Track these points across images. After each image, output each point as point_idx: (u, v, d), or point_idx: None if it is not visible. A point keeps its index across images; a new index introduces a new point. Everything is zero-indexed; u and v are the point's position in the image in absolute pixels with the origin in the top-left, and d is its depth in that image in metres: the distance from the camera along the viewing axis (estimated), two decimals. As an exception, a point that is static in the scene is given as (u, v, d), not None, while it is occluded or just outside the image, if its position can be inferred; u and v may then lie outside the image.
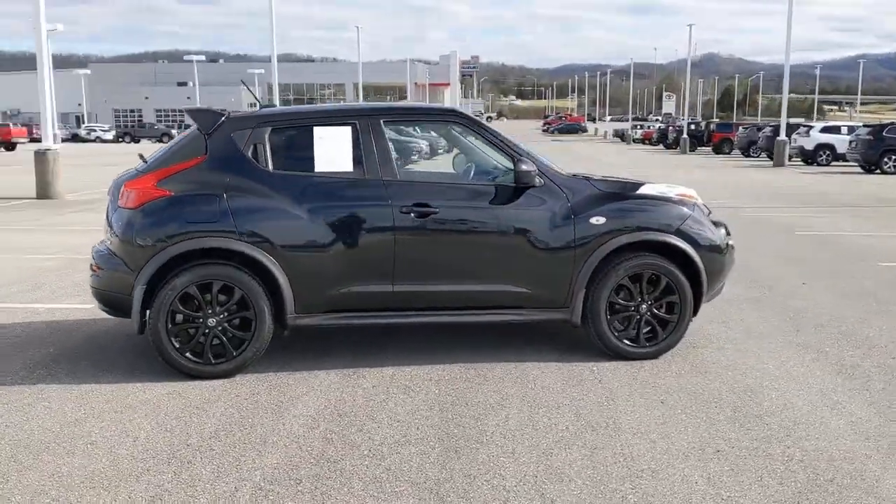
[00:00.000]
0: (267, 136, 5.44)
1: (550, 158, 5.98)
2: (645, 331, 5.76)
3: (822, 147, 32.99)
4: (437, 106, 6.70)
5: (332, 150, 5.46)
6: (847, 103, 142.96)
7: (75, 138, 65.02)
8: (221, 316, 5.24)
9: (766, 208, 16.39)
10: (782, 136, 33.17)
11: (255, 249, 5.21)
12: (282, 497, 3.64)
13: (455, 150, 6.59)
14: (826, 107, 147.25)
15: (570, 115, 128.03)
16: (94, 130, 66.70)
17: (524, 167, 5.43)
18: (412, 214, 5.38)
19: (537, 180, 5.52)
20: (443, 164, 9.52)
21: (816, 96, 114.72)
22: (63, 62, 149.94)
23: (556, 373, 5.44)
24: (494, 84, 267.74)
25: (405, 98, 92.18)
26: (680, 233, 5.69)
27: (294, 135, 5.55)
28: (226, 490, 3.70)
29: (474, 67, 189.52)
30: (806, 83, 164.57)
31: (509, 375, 5.38)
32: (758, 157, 39.26)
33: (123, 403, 4.83)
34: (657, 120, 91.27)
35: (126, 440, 4.27)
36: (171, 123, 76.71)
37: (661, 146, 55.94)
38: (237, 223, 5.21)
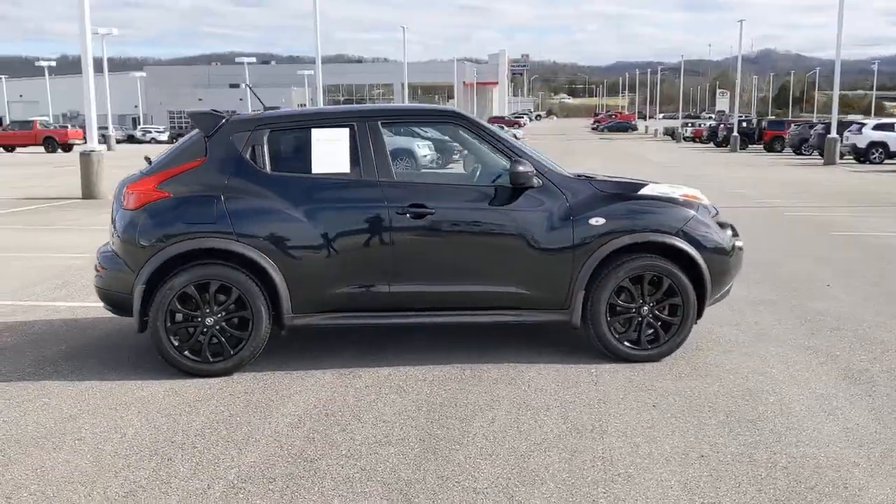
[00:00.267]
0: (265, 139, 5.51)
1: (551, 158, 5.94)
2: (648, 333, 5.68)
3: (874, 145, 32.08)
4: (436, 107, 6.69)
5: (330, 152, 5.49)
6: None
7: (131, 139, 66.49)
8: (219, 315, 5.32)
9: (806, 207, 16.02)
10: (833, 134, 32.37)
11: (251, 250, 5.27)
12: (251, 495, 3.68)
13: (465, 151, 6.60)
14: (887, 103, 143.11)
15: (621, 113, 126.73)
16: (150, 132, 68.13)
17: (520, 168, 5.40)
18: (408, 215, 5.39)
19: (535, 181, 5.48)
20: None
21: (874, 92, 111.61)
22: (122, 65, 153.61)
23: (554, 375, 5.39)
24: (545, 82, 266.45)
25: (452, 98, 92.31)
26: (682, 234, 5.60)
27: (292, 137, 5.60)
28: (199, 487, 3.76)
29: (525, 66, 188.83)
30: (866, 79, 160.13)
31: (505, 377, 5.35)
32: (810, 155, 38.37)
33: (120, 400, 4.94)
34: (710, 117, 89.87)
35: (114, 436, 4.36)
36: (223, 124, 77.60)
37: (711, 144, 55.06)
38: (234, 224, 5.28)
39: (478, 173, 6.17)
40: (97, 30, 46.69)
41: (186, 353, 5.32)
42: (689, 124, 69.64)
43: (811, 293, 7.86)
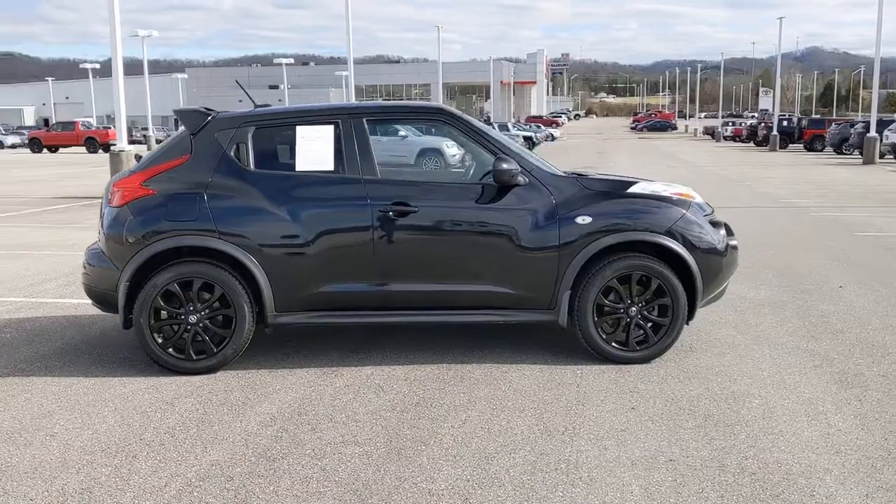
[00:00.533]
0: (250, 136, 5.51)
1: (543, 158, 5.86)
2: (637, 334, 5.58)
3: (916, 144, 31.31)
4: (422, 104, 6.67)
5: (314, 149, 5.48)
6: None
7: (171, 140, 67.43)
8: (203, 313, 5.33)
9: (835, 207, 15.65)
10: (872, 133, 31.62)
11: (233, 248, 5.28)
12: (205, 493, 3.67)
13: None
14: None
15: (661, 112, 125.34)
16: (189, 132, 69.02)
17: (503, 165, 5.33)
18: (390, 213, 5.36)
19: (520, 179, 5.41)
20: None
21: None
22: (168, 67, 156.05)
23: (538, 375, 5.32)
24: (585, 81, 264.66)
25: (489, 98, 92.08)
26: (671, 233, 5.48)
27: (277, 134, 5.60)
28: (156, 485, 3.76)
29: (565, 65, 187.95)
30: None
31: (487, 377, 5.29)
32: (850, 154, 37.53)
33: (99, 397, 4.97)
34: (752, 116, 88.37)
35: (85, 433, 4.39)
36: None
37: (751, 143, 54.14)
38: (216, 222, 5.29)
39: (470, 171, 6.12)
40: (137, 32, 47.43)
41: (170, 350, 5.35)
42: (730, 123, 68.55)
43: (821, 295, 7.67)
